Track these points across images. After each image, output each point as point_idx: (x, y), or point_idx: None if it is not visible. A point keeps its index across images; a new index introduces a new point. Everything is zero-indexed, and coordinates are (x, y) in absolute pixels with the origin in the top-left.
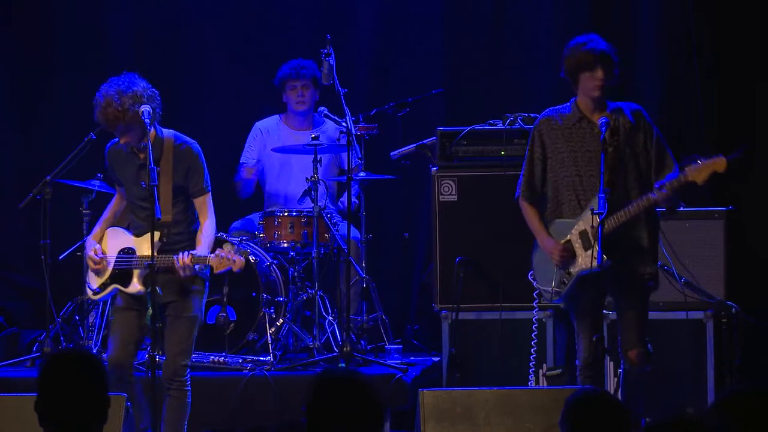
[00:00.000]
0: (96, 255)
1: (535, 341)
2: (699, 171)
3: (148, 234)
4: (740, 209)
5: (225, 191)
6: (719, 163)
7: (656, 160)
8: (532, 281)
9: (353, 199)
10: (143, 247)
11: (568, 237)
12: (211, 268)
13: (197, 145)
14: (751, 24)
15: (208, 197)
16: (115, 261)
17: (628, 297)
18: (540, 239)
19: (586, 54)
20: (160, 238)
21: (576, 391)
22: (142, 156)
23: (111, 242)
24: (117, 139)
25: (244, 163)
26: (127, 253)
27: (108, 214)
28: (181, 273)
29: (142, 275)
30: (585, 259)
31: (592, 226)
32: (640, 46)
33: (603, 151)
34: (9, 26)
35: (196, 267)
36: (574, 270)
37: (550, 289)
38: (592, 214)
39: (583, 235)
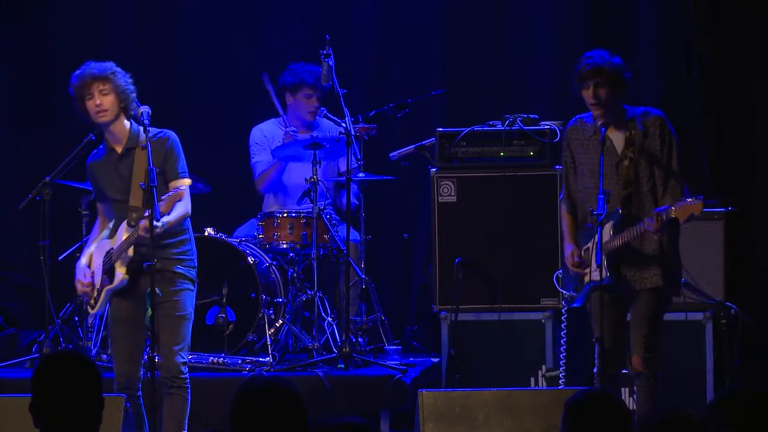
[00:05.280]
0: (85, 278)
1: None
2: (682, 211)
3: (119, 229)
4: (740, 211)
5: (224, 195)
6: (697, 206)
7: (663, 181)
8: (555, 283)
9: (353, 200)
10: (119, 240)
11: (588, 245)
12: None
13: (173, 133)
14: (750, 24)
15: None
16: (102, 267)
17: (634, 305)
18: (564, 244)
19: (579, 73)
20: (128, 222)
21: (577, 391)
22: (118, 149)
23: (97, 256)
24: (95, 152)
25: (258, 161)
26: (108, 253)
27: (93, 236)
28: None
29: (124, 262)
30: (592, 272)
31: (606, 241)
32: (640, 47)
33: (602, 154)
34: (7, 27)
35: (163, 222)
36: (585, 279)
37: (565, 293)
38: (592, 214)
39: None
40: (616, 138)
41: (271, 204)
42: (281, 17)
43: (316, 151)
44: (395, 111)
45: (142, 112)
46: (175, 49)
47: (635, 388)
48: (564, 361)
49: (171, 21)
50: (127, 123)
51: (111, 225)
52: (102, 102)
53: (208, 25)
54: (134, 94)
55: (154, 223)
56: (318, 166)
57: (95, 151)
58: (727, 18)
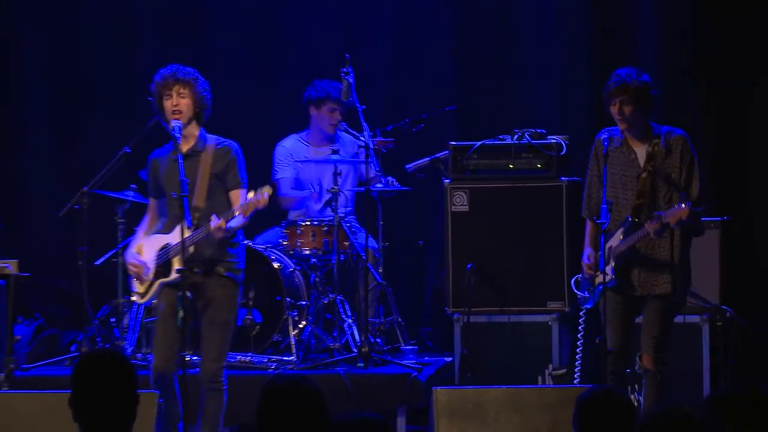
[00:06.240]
0: (138, 261)
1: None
2: (672, 216)
3: (177, 227)
4: (738, 211)
5: None
6: (683, 212)
7: (679, 196)
8: (572, 285)
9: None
10: (178, 237)
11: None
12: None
13: (236, 144)
14: (750, 22)
15: (244, 192)
16: (156, 259)
17: (645, 309)
18: (583, 248)
19: (607, 89)
20: (192, 222)
21: (587, 389)
22: (183, 149)
23: (148, 248)
24: (159, 150)
25: (282, 178)
26: (165, 248)
27: (142, 230)
28: (217, 234)
29: (181, 258)
30: (600, 275)
31: (615, 246)
32: (641, 49)
33: (605, 165)
34: (48, 48)
35: (228, 225)
36: (596, 281)
37: (579, 294)
38: (597, 221)
39: (607, 252)
40: (641, 152)
41: (295, 212)
42: (298, 36)
43: (337, 163)
44: (411, 126)
45: (173, 127)
46: (202, 61)
47: (642, 384)
48: (580, 360)
49: (199, 35)
50: (197, 128)
51: (161, 222)
52: (179, 103)
53: (233, 38)
54: (210, 102)
55: (226, 223)
56: (339, 177)
57: (159, 149)
58: (728, 17)
